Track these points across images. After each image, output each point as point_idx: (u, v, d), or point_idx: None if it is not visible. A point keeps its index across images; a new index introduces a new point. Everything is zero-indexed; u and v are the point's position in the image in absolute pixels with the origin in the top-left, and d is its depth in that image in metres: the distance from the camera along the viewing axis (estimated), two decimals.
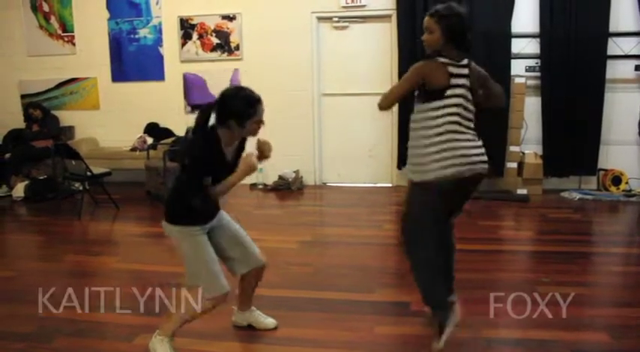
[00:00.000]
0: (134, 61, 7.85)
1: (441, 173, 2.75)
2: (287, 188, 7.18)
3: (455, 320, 2.92)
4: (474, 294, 3.66)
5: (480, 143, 2.88)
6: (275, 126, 7.56)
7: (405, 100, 2.96)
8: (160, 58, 7.74)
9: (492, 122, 6.52)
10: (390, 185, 7.33)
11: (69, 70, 8.04)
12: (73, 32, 7.98)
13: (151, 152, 7.14)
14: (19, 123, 7.85)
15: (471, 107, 2.89)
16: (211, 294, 2.83)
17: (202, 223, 2.87)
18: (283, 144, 7.39)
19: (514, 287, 3.91)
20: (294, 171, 7.28)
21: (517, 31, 6.76)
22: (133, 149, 7.43)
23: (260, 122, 2.79)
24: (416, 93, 2.88)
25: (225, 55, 7.51)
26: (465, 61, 2.86)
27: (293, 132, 7.34)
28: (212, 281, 2.82)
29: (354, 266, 4.33)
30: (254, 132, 2.82)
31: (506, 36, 6.68)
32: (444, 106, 2.79)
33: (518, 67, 6.82)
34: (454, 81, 2.79)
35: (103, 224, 6.04)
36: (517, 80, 6.63)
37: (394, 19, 6.98)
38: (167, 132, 7.44)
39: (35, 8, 8.01)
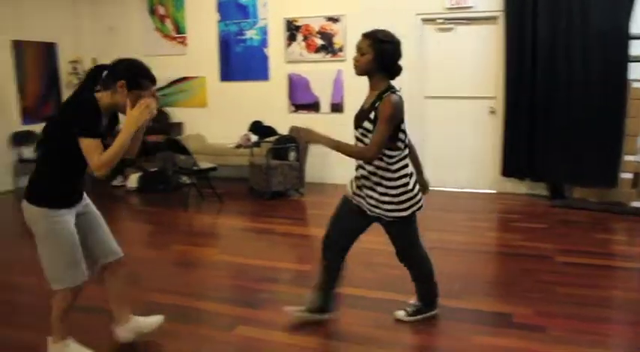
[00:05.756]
0: (241, 61, 8.12)
1: None
2: None
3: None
4: (584, 311, 3.46)
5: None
6: None
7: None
8: (265, 58, 7.94)
9: (606, 129, 6.15)
10: (492, 191, 7.08)
11: (180, 70, 8.45)
12: (185, 34, 8.39)
13: (255, 149, 7.34)
14: None
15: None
16: (68, 285, 2.71)
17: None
18: None
19: (628, 306, 3.66)
20: None
21: (637, 32, 6.31)
22: (238, 146, 7.67)
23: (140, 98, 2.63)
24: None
25: (329, 56, 7.58)
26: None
27: None
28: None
29: (451, 273, 4.22)
30: (131, 104, 2.61)
31: (624, 36, 6.24)
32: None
33: (637, 71, 6.36)
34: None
35: (208, 216, 6.29)
36: (635, 85, 6.18)
37: (502, 20, 6.75)
38: (271, 131, 7.61)
39: (152, 12, 8.50)
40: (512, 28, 6.62)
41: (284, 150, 6.97)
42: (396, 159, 2.95)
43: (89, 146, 2.48)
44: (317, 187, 7.40)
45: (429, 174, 7.62)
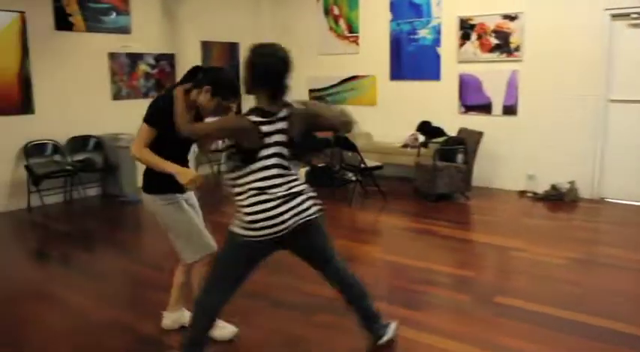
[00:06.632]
0: (412, 60, 8.07)
1: None
2: (559, 199, 6.65)
3: None
4: None
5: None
6: (553, 131, 7.14)
7: None
8: (437, 57, 7.82)
9: None
10: None
11: (351, 68, 8.64)
12: (357, 33, 8.55)
13: (422, 150, 7.26)
14: None
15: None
16: (205, 251, 3.01)
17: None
18: (559, 152, 6.91)
19: None
20: (569, 182, 6.70)
21: None
22: (405, 146, 7.66)
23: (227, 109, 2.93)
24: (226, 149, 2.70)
25: (503, 56, 7.24)
26: (284, 113, 2.64)
27: (572, 140, 6.77)
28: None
29: (632, 295, 3.83)
30: (213, 107, 2.89)
31: None
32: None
33: None
34: (268, 140, 2.63)
35: (370, 214, 6.36)
36: None
37: None
38: (439, 131, 7.48)
39: (327, 12, 8.80)
40: None
41: (452, 151, 6.81)
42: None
43: (142, 130, 2.85)
44: (484, 192, 7.12)
45: (611, 184, 6.98)
